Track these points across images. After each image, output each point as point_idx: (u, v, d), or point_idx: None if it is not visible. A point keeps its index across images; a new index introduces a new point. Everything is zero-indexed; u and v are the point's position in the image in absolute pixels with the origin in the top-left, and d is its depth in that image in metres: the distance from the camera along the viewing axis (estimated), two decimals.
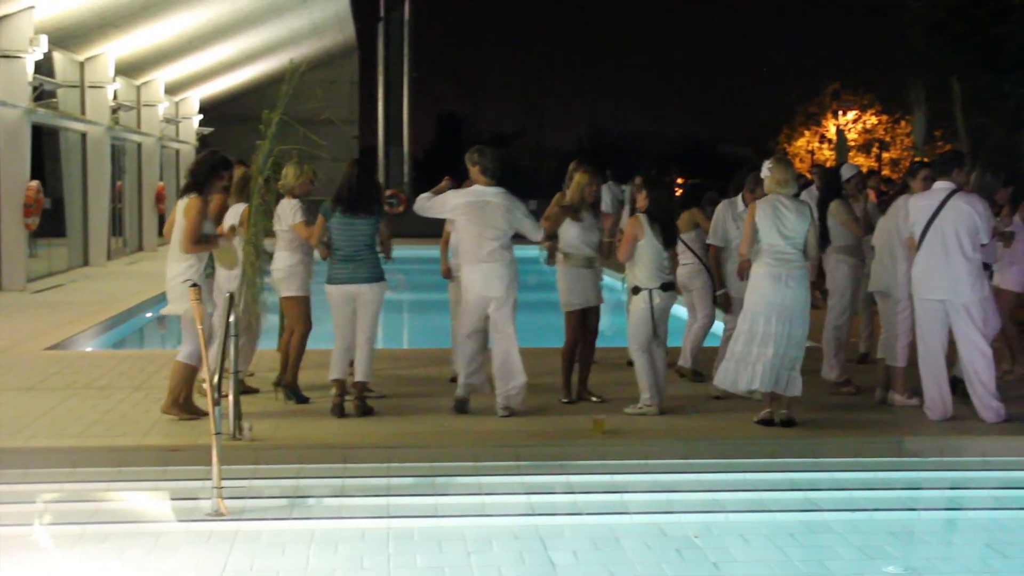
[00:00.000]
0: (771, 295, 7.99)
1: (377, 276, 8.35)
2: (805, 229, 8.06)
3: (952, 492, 7.14)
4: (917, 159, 11.38)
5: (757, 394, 8.25)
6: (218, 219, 8.68)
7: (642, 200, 8.67)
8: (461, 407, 8.47)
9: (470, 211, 8.35)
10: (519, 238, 8.48)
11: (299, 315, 8.84)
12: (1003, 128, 22.65)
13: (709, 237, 9.46)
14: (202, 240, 7.98)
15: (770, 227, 8.00)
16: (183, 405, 8.12)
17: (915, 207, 8.39)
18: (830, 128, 43.70)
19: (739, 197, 9.40)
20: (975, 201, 8.27)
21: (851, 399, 9.18)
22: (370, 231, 8.34)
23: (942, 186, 8.29)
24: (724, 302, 9.39)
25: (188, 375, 8.12)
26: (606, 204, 14.15)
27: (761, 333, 8.00)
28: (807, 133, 45.90)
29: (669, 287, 8.49)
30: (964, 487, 7.19)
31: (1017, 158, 18.34)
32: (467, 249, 8.40)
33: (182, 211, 8.00)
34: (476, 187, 8.47)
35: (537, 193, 23.60)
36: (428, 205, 8.61)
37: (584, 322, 8.95)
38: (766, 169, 8.18)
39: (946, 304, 8.19)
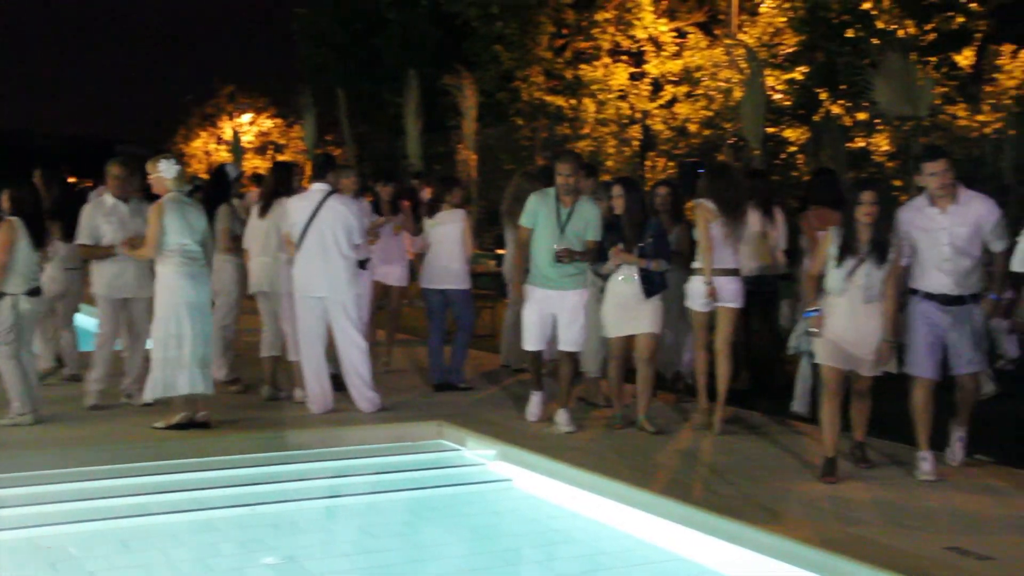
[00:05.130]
0: (189, 294, 7.89)
1: None
2: (205, 226, 8.15)
3: (333, 481, 7.41)
4: (308, 162, 11.81)
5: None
6: None
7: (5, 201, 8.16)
8: None
9: None
10: None
11: None
12: (384, 134, 24.07)
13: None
14: None
15: (179, 227, 7.90)
16: None
17: (294, 208, 8.66)
18: (226, 130, 43.91)
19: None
20: (350, 202, 8.71)
21: (239, 397, 9.30)
22: None
23: (319, 187, 8.64)
24: None
25: None
26: None
27: (188, 334, 7.88)
28: (204, 134, 45.78)
29: (36, 292, 8.08)
30: (344, 475, 7.50)
31: (397, 161, 19.59)
32: None
33: None
34: None
35: None
36: None
37: None
38: (170, 168, 8.06)
39: (325, 301, 8.55)
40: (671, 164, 21.12)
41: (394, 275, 10.62)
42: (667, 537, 6.11)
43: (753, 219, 9.11)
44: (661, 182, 10.48)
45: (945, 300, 6.85)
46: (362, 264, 9.11)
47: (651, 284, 8.00)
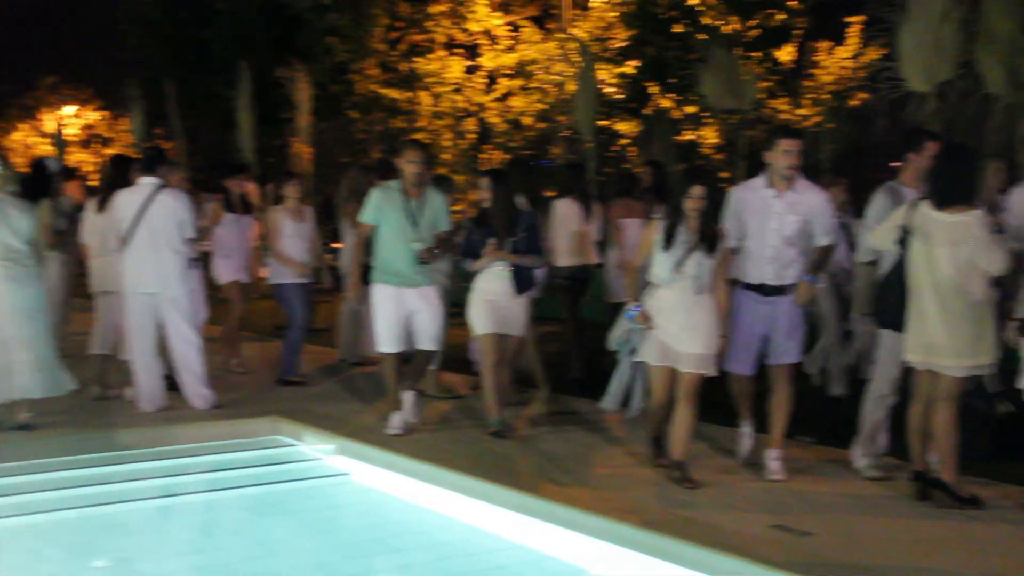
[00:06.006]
0: (14, 298, 7.63)
1: None
2: (31, 225, 7.83)
3: (166, 480, 7.25)
4: (138, 156, 11.48)
5: None
6: None
7: None
8: None
9: None
10: None
11: None
12: (215, 128, 23.61)
13: None
14: None
15: (2, 227, 7.64)
16: None
17: (123, 203, 8.45)
18: (48, 122, 42.38)
19: None
20: (181, 197, 8.55)
21: (66, 398, 8.94)
22: None
23: (148, 182, 8.45)
24: None
25: None
26: None
27: (16, 338, 7.65)
28: (24, 127, 44.09)
29: None
30: (178, 474, 7.34)
31: (230, 154, 19.22)
32: None
33: None
34: None
35: None
36: None
37: None
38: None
39: (156, 297, 8.37)
40: (507, 157, 21.30)
41: (233, 269, 10.48)
42: (505, 525, 6.20)
43: (571, 212, 9.35)
44: (485, 172, 10.57)
45: (765, 291, 6.72)
46: (203, 259, 8.98)
47: (522, 281, 7.78)
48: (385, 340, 7.92)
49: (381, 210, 7.86)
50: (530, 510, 6.12)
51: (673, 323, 6.50)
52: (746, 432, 7.10)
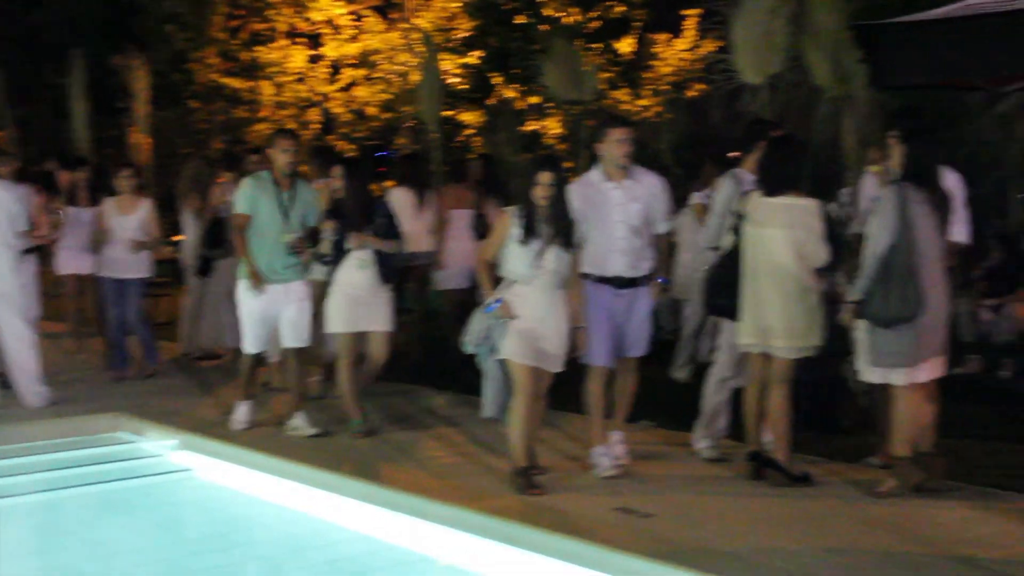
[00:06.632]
0: None
1: None
2: None
3: (2, 481, 7.04)
4: None
5: None
6: None
7: None
8: None
9: None
10: None
11: None
12: (48, 117, 22.88)
13: None
14: None
15: None
16: None
17: None
18: None
19: None
20: (12, 188, 8.29)
21: None
22: None
23: None
24: None
25: None
26: None
27: None
28: None
29: None
30: (13, 474, 7.10)
31: (63, 145, 18.60)
32: None
33: None
34: None
35: None
36: None
37: None
38: None
39: None
40: (352, 147, 21.17)
41: (73, 262, 10.24)
42: (354, 516, 6.20)
43: (406, 202, 9.41)
44: (338, 162, 10.44)
45: (620, 283, 6.63)
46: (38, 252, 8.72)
47: (388, 268, 7.61)
48: (249, 340, 7.75)
49: (255, 201, 7.62)
50: (377, 500, 6.13)
51: (534, 320, 6.28)
52: (604, 452, 6.74)
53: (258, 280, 7.59)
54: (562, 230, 6.28)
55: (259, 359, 7.94)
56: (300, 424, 7.71)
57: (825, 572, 5.12)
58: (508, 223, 6.36)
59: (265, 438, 7.40)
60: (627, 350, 6.78)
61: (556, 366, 6.41)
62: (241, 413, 7.80)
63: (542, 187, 6.25)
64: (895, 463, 6.27)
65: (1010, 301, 9.85)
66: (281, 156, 7.59)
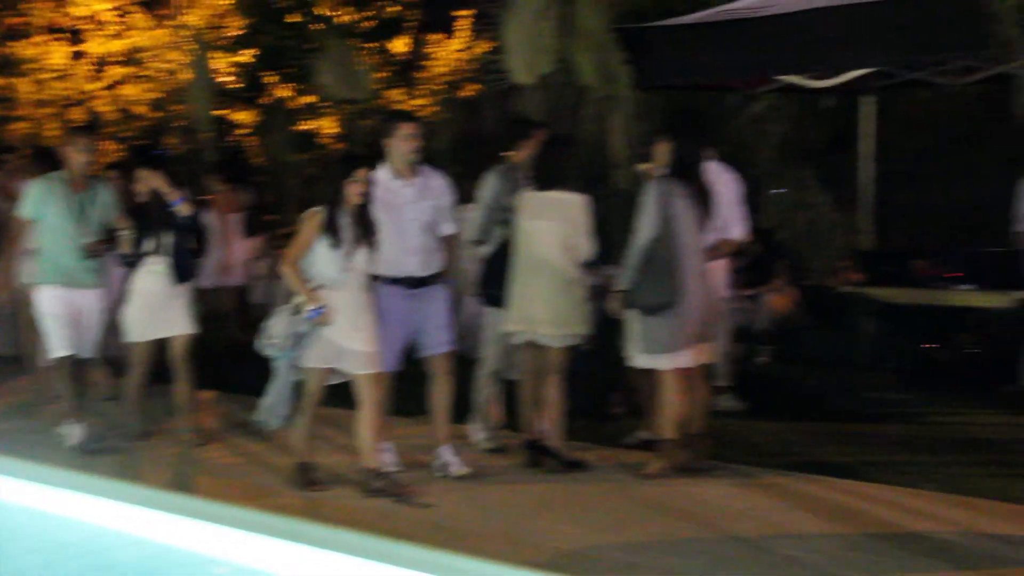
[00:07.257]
0: None
1: None
2: None
3: None
4: None
5: None
6: None
7: None
8: None
9: None
10: None
11: None
12: None
13: None
14: None
15: None
16: None
17: None
18: None
19: None
20: None
21: None
22: None
23: None
24: None
25: None
26: None
27: None
28: None
29: None
30: None
31: None
32: None
33: None
34: None
35: None
36: None
37: None
38: None
39: None
40: (120, 147, 20.51)
41: None
42: (128, 520, 6.00)
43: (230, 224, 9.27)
44: (110, 165, 10.04)
45: (411, 283, 6.47)
46: None
47: (184, 268, 7.35)
48: (56, 343, 7.24)
49: (45, 204, 7.18)
50: (151, 502, 5.97)
51: (345, 323, 6.10)
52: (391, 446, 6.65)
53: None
54: (370, 230, 6.16)
55: (75, 360, 7.35)
56: (71, 431, 7.30)
57: (606, 553, 5.33)
58: (315, 225, 6.13)
59: (28, 443, 7.10)
60: (429, 348, 6.63)
61: (367, 367, 6.18)
62: (76, 431, 7.24)
63: (359, 184, 6.08)
64: (661, 445, 6.57)
65: (765, 291, 10.43)
66: (77, 156, 7.17)
